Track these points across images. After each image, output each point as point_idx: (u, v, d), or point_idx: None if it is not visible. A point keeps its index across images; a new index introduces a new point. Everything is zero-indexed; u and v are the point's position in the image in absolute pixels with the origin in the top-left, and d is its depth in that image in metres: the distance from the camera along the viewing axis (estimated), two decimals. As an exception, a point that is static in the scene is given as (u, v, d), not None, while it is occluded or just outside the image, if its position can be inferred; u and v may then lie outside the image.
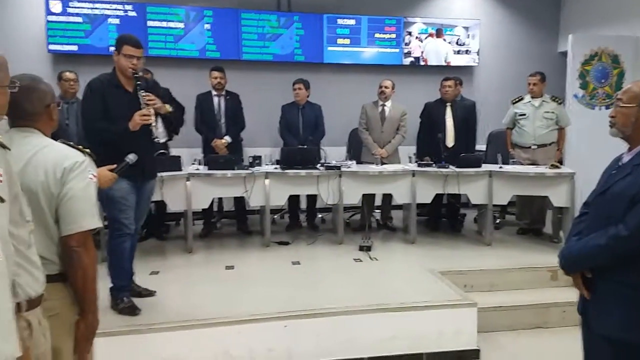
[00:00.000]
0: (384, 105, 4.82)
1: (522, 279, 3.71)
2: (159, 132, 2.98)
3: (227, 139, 4.56)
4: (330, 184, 4.29)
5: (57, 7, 5.07)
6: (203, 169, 4.21)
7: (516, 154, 4.69)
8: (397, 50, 5.83)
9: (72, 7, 5.10)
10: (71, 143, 1.63)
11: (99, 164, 1.73)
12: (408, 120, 4.86)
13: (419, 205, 4.52)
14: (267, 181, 4.20)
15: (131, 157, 2.37)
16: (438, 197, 4.52)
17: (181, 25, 5.35)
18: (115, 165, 2.22)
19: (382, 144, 4.77)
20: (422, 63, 5.91)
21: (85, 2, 5.13)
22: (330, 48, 5.68)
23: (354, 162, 4.66)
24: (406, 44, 5.84)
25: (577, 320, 1.82)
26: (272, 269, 3.75)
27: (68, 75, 4.35)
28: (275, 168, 4.34)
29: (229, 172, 4.13)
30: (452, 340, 2.97)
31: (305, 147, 4.61)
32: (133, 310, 2.88)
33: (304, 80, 4.84)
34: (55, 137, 1.66)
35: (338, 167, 4.35)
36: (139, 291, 3.14)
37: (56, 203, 1.53)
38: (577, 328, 1.84)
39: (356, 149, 5.04)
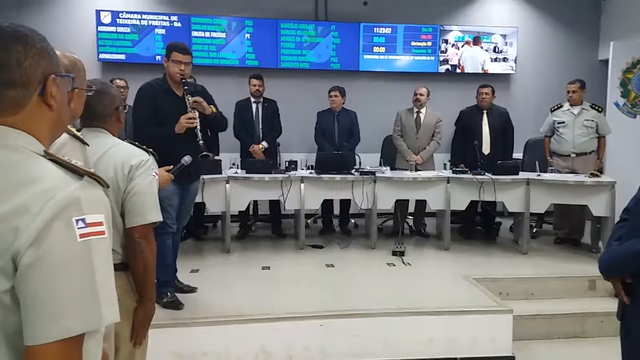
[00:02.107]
0: (419, 112, 4.86)
1: (559, 288, 3.66)
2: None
3: (264, 144, 4.69)
4: (365, 189, 4.36)
5: (107, 18, 5.35)
6: (241, 173, 4.35)
7: (555, 162, 4.63)
8: (433, 58, 5.85)
9: (121, 18, 5.37)
10: (137, 143, 1.76)
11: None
12: (443, 127, 4.88)
13: (453, 213, 4.53)
14: (302, 185, 4.30)
15: (186, 159, 2.50)
16: (473, 204, 4.51)
17: (223, 35, 5.55)
18: (171, 167, 2.35)
19: (416, 150, 4.81)
20: (458, 71, 5.91)
21: (133, 13, 5.40)
22: (366, 56, 5.76)
23: (388, 168, 4.70)
24: (442, 52, 5.86)
25: (615, 330, 1.79)
26: (306, 271, 3.83)
27: (118, 82, 4.59)
28: (311, 173, 4.44)
29: (266, 176, 4.26)
30: (487, 346, 2.97)
31: (341, 152, 4.70)
32: (176, 305, 3.02)
33: (339, 88, 4.93)
34: None
35: (373, 173, 4.40)
36: (181, 287, 3.28)
37: (123, 198, 1.66)
38: (615, 338, 1.81)
39: (390, 156, 5.09)
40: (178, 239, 3.31)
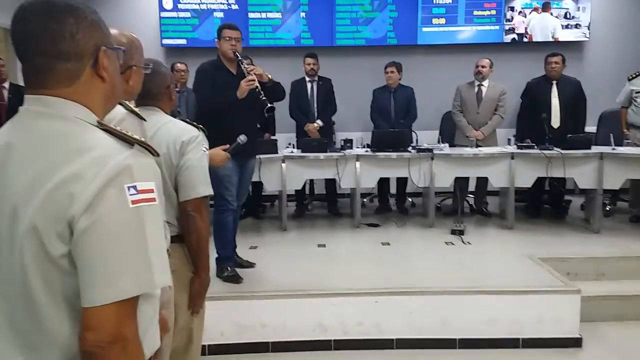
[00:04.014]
0: (480, 85, 4.63)
1: (632, 268, 3.40)
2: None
3: (319, 122, 4.68)
4: (422, 166, 4.25)
5: (169, 3, 5.53)
6: (297, 152, 4.38)
7: (631, 134, 4.27)
8: (498, 27, 5.54)
9: (182, 3, 5.53)
10: (188, 120, 1.82)
11: (211, 143, 1.90)
12: (507, 100, 4.63)
13: (518, 191, 4.31)
14: (358, 164, 4.26)
15: (242, 138, 2.55)
16: (540, 181, 4.27)
17: (278, 15, 5.57)
18: (227, 146, 2.41)
19: (477, 126, 4.60)
20: (525, 40, 5.56)
21: (193, -3, 5.53)
22: (425, 29, 5.56)
23: (447, 145, 4.55)
24: (508, 20, 5.53)
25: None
26: (362, 249, 3.82)
27: (179, 66, 4.76)
28: (366, 151, 4.39)
29: (321, 155, 4.26)
30: (552, 327, 2.83)
31: (397, 130, 4.59)
32: (236, 279, 3.13)
33: (396, 63, 4.80)
34: None
35: (430, 150, 4.28)
36: (241, 262, 3.39)
37: (175, 172, 1.72)
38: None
39: (449, 133, 4.91)
40: (237, 215, 3.40)
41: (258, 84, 2.96)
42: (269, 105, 2.95)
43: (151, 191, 0.81)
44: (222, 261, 3.20)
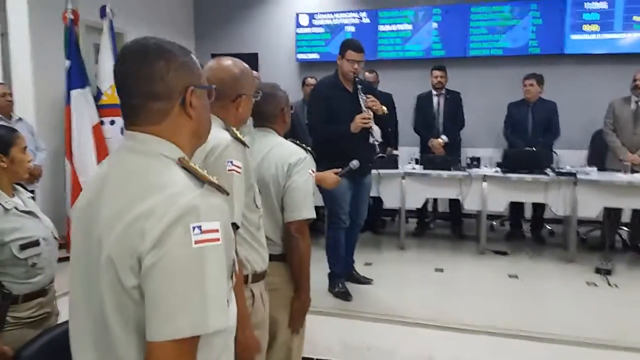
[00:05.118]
0: (638, 101, 3.97)
1: None
2: (376, 132, 3.08)
3: (444, 138, 4.46)
4: (562, 192, 3.77)
5: (305, 20, 5.78)
6: (419, 169, 4.21)
7: None
8: (664, 33, 4.72)
9: (317, 19, 5.74)
10: (297, 142, 1.83)
11: (323, 161, 1.91)
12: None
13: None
14: (484, 184, 3.94)
15: (354, 164, 2.53)
16: None
17: (409, 27, 5.47)
18: (339, 169, 2.40)
19: (634, 148, 3.95)
20: None
21: (327, 13, 5.71)
22: (573, 36, 4.97)
23: (595, 168, 3.98)
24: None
25: None
26: (485, 279, 3.52)
27: (310, 80, 4.92)
28: (496, 171, 4.05)
29: (444, 173, 4.03)
30: None
31: (534, 149, 4.16)
32: (346, 296, 3.13)
33: (536, 75, 4.37)
34: (294, 134, 1.88)
35: (573, 174, 3.78)
36: (358, 278, 3.38)
37: (282, 193, 1.74)
38: None
39: (599, 154, 4.30)
40: (357, 233, 3.38)
41: (372, 124, 2.95)
42: (381, 155, 2.98)
43: (216, 231, 0.81)
44: (334, 277, 3.23)
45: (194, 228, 0.79)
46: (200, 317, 0.78)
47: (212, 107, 1.41)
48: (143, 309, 0.79)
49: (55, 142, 3.91)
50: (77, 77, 3.67)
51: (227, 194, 0.89)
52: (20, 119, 3.51)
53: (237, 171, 1.33)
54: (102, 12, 3.86)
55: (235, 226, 1.32)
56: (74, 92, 3.65)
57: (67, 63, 3.67)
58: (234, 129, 1.41)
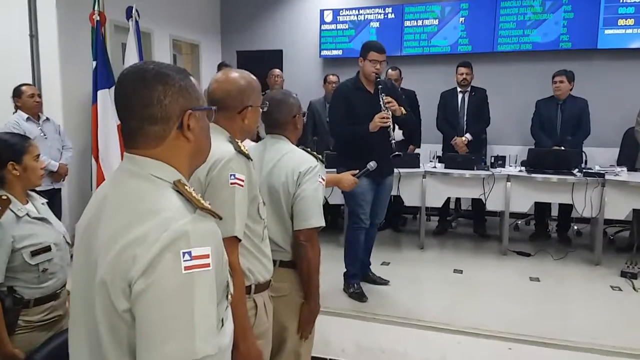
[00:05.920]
0: (676, 99, 3.80)
1: None
2: (395, 133, 3.07)
3: (468, 136, 4.37)
4: (589, 194, 3.66)
5: (329, 16, 5.74)
6: (440, 168, 4.16)
7: None
8: None
9: (341, 15, 5.70)
10: (308, 149, 1.84)
11: (346, 162, 1.88)
12: None
13: None
14: (508, 184, 3.86)
15: (372, 165, 2.52)
16: None
17: (435, 22, 5.37)
18: (357, 171, 2.40)
19: (669, 148, 3.79)
20: None
21: (352, 9, 5.65)
22: (607, 31, 4.77)
23: (625, 168, 3.84)
24: None
25: None
26: (505, 281, 3.45)
27: (331, 77, 4.90)
28: (521, 171, 3.95)
29: (466, 172, 3.97)
30: None
31: (562, 148, 4.04)
32: (361, 297, 3.12)
33: (567, 72, 4.23)
34: (315, 131, 1.87)
35: (601, 175, 3.66)
36: (374, 279, 3.37)
37: (292, 201, 1.75)
38: None
39: (630, 153, 4.14)
40: (374, 233, 3.37)
41: (391, 122, 2.94)
42: (397, 153, 2.95)
43: (206, 257, 0.82)
44: (349, 277, 3.23)
45: (184, 254, 0.80)
46: (189, 343, 0.79)
47: (218, 119, 1.45)
48: (135, 332, 0.81)
49: (82, 141, 4.04)
50: (104, 77, 3.77)
51: (220, 218, 0.90)
52: (47, 119, 3.64)
53: (239, 184, 1.35)
54: (128, 13, 3.95)
55: (237, 239, 1.35)
56: (100, 92, 3.76)
57: (94, 64, 3.78)
58: (238, 142, 1.43)
